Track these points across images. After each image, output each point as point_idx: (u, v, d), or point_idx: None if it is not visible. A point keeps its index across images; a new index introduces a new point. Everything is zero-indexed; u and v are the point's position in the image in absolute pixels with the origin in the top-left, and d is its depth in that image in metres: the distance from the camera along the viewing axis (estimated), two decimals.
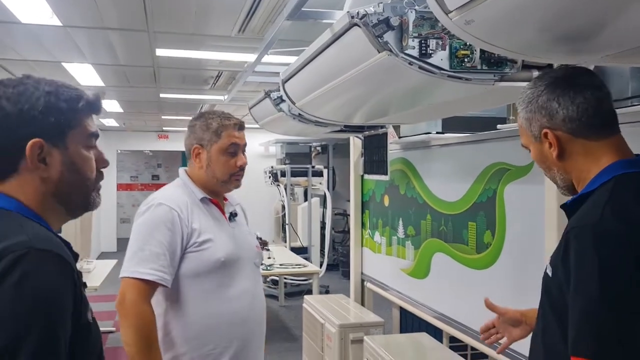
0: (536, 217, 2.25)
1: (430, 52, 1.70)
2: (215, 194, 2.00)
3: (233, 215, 2.04)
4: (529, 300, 2.29)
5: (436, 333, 3.39)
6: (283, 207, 8.61)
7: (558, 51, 1.36)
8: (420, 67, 1.69)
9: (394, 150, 3.58)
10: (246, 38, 4.06)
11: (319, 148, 10.30)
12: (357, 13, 1.70)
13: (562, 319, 1.14)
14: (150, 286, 1.79)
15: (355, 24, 1.72)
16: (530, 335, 1.41)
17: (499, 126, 2.66)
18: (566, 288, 1.11)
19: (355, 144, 4.24)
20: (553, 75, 1.28)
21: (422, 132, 3.44)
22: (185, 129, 2.05)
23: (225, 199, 2.07)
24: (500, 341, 1.68)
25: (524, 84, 1.80)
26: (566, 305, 1.11)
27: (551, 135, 1.24)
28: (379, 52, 1.70)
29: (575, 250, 1.09)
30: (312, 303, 3.98)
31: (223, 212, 2.00)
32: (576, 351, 1.06)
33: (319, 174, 8.36)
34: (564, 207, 1.30)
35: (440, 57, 1.71)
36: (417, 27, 1.69)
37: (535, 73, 1.81)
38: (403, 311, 3.91)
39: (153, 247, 1.79)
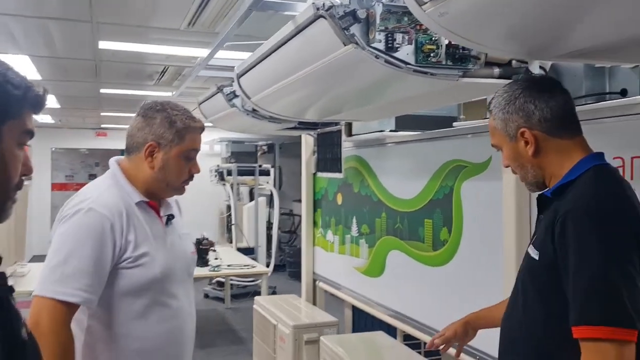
0: (493, 213, 2.27)
1: (397, 46, 1.67)
2: (154, 196, 1.73)
3: (170, 218, 1.78)
4: (486, 295, 2.33)
5: (389, 331, 3.39)
6: (228, 207, 8.46)
7: (526, 47, 1.37)
8: (387, 61, 1.67)
9: (347, 148, 3.56)
10: (196, 32, 3.94)
11: (265, 147, 10.20)
12: (323, 4, 1.66)
13: (545, 298, 1.31)
14: (71, 309, 1.52)
15: (321, 16, 1.68)
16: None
17: (455, 124, 2.68)
18: (562, 267, 1.23)
19: (307, 141, 4.20)
20: (526, 81, 1.42)
21: (375, 130, 3.44)
22: (126, 125, 1.78)
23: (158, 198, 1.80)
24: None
25: (486, 80, 1.82)
26: (553, 285, 1.26)
27: (528, 134, 1.36)
28: (345, 45, 1.66)
29: (575, 230, 1.21)
30: (263, 304, 3.91)
31: (160, 216, 1.74)
32: (584, 320, 1.17)
33: (265, 173, 8.27)
34: (541, 197, 1.41)
35: (406, 52, 1.69)
36: (383, 21, 1.67)
37: (497, 70, 1.83)
38: (355, 310, 3.90)
39: (78, 263, 1.52)
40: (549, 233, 1.28)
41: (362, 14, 1.62)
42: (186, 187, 1.78)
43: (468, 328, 1.74)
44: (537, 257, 1.32)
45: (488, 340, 1.87)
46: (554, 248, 1.26)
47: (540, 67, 1.92)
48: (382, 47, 1.66)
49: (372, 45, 1.65)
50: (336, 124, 3.51)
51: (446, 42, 1.70)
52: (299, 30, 1.85)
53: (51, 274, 1.53)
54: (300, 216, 9.40)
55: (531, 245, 1.37)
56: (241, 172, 8.05)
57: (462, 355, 2.43)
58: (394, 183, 3.10)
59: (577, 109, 1.56)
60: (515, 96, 1.38)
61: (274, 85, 2.31)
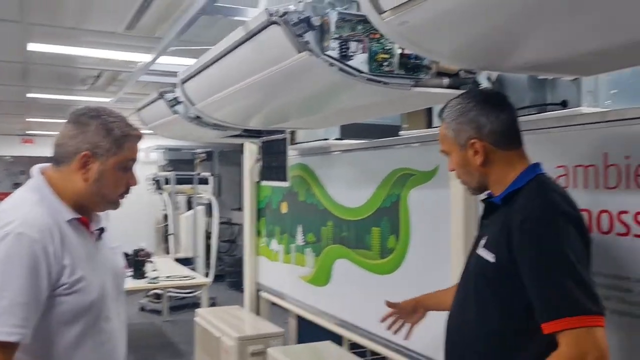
0: (441, 221, 2.30)
1: (351, 54, 1.67)
2: (85, 210, 1.56)
3: (101, 232, 1.63)
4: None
5: (335, 340, 3.38)
6: (165, 216, 8.23)
7: (481, 59, 1.39)
8: (341, 69, 1.66)
9: (292, 156, 3.53)
10: (135, 36, 3.82)
11: (203, 155, 10.01)
12: (277, 11, 1.63)
13: (503, 297, 1.39)
14: (11, 349, 1.35)
15: (274, 22, 1.65)
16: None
17: (401, 132, 2.71)
18: (523, 268, 1.32)
19: (251, 149, 4.14)
20: (480, 95, 1.53)
21: (320, 139, 3.43)
22: (55, 132, 1.60)
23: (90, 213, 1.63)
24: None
25: (436, 90, 1.85)
26: (510, 285, 1.34)
27: (478, 144, 1.46)
28: (299, 52, 1.64)
29: (536, 233, 1.31)
30: (205, 316, 3.81)
31: (91, 232, 1.58)
32: (559, 314, 1.25)
33: (204, 181, 8.10)
34: (489, 203, 1.54)
35: (360, 60, 1.69)
36: (337, 29, 1.66)
37: (446, 80, 1.86)
38: (301, 320, 3.86)
39: (14, 295, 1.35)
40: (504, 237, 1.37)
41: (316, 21, 1.61)
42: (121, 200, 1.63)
43: (418, 306, 1.87)
44: (492, 260, 1.40)
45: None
46: (510, 251, 1.35)
47: (488, 79, 1.97)
48: (337, 55, 1.65)
49: (327, 53, 1.64)
50: (281, 131, 3.48)
51: (399, 51, 1.71)
52: (250, 36, 1.81)
53: None
54: (239, 225, 9.33)
55: (483, 249, 1.44)
56: (179, 181, 7.86)
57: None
58: (341, 191, 3.10)
59: (522, 119, 1.62)
60: (469, 108, 1.47)
61: (221, 91, 2.26)
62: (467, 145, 1.47)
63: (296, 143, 3.58)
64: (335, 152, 3.18)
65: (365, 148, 2.92)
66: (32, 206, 1.46)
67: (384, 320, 1.96)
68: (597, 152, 1.65)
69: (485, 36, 1.22)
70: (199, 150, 9.70)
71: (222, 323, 3.57)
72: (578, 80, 1.89)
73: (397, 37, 1.31)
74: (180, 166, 8.85)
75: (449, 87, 1.86)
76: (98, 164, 1.51)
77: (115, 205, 1.60)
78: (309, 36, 1.62)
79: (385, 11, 1.25)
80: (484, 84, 1.93)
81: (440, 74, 1.85)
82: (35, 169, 1.56)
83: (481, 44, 1.25)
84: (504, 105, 1.49)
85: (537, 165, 1.48)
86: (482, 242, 1.47)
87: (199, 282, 5.17)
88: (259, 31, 1.74)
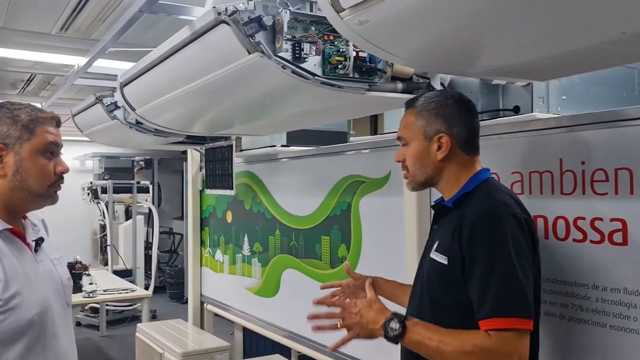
0: (393, 228, 2.26)
1: (304, 56, 1.60)
2: (15, 215, 1.43)
3: (39, 243, 1.49)
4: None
5: (283, 352, 3.29)
6: (102, 227, 7.89)
7: (443, 62, 1.35)
8: (294, 72, 1.59)
9: (237, 163, 3.42)
10: (69, 37, 3.62)
11: (142, 163, 9.69)
12: (225, 9, 1.54)
13: (459, 298, 1.36)
14: None
15: (223, 21, 1.56)
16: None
17: (351, 139, 2.66)
18: (469, 267, 1.33)
19: (194, 157, 4.00)
20: (459, 96, 1.53)
21: (265, 145, 3.34)
22: None
23: (25, 217, 1.50)
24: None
25: (390, 94, 1.80)
26: (464, 284, 1.35)
27: (446, 139, 1.46)
28: (250, 53, 1.55)
29: (484, 234, 1.32)
30: (147, 331, 3.63)
31: (27, 244, 1.45)
32: (495, 313, 1.27)
33: (144, 190, 7.83)
34: (439, 207, 1.54)
35: (313, 63, 1.63)
36: (290, 30, 1.58)
37: (400, 85, 1.81)
38: (247, 332, 3.75)
39: None
40: (456, 239, 1.38)
41: (268, 20, 1.52)
42: (58, 192, 1.47)
43: (373, 283, 1.72)
44: (445, 262, 1.40)
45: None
46: (462, 253, 1.36)
47: (441, 83, 1.94)
48: (289, 56, 1.58)
49: (279, 54, 1.56)
50: (226, 138, 3.37)
51: (354, 54, 1.65)
52: (197, 36, 1.71)
53: None
54: (181, 235, 9.06)
55: (435, 252, 1.44)
56: (117, 189, 7.55)
57: None
58: (289, 200, 3.01)
59: None
60: (448, 104, 1.48)
61: (164, 95, 2.13)
62: (433, 137, 1.47)
63: (241, 150, 3.48)
64: (284, 159, 3.10)
65: (314, 155, 2.85)
66: None
67: (319, 302, 1.81)
68: (553, 157, 1.64)
69: (446, 38, 1.17)
70: (137, 158, 9.39)
71: (164, 338, 3.41)
72: (530, 86, 1.89)
73: (355, 38, 1.25)
74: (118, 174, 8.52)
75: (403, 91, 1.82)
76: (12, 154, 1.39)
77: (49, 198, 1.45)
78: (260, 36, 1.53)
79: (344, 9, 1.19)
80: (438, 88, 1.89)
81: (395, 78, 1.81)
82: None
83: (441, 46, 1.21)
84: (475, 113, 1.53)
85: (485, 170, 1.51)
86: (434, 246, 1.46)
87: (139, 295, 4.93)
88: (207, 31, 1.64)
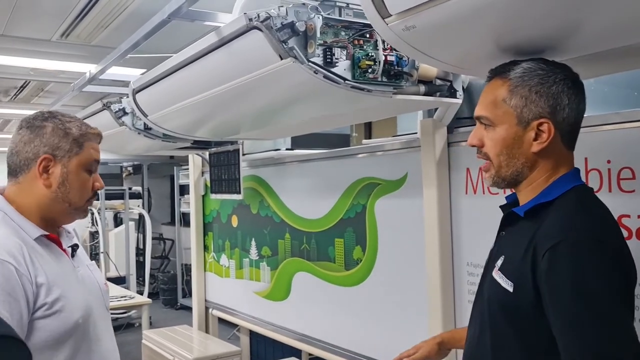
0: (411, 230, 2.29)
1: (335, 61, 1.62)
2: (50, 225, 1.45)
3: (75, 249, 1.52)
4: (405, 311, 2.33)
5: (292, 354, 3.30)
6: (91, 234, 7.81)
7: (489, 65, 1.37)
8: (325, 76, 1.61)
9: (242, 167, 3.42)
10: (69, 44, 3.59)
11: (130, 168, 9.62)
12: (258, 15, 1.55)
13: (523, 334, 1.13)
14: None
15: (255, 27, 1.57)
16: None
17: (364, 141, 2.68)
18: (552, 306, 1.07)
19: (195, 162, 4.00)
20: (569, 69, 1.18)
21: (268, 149, 3.35)
22: None
23: (59, 226, 1.52)
24: None
25: (415, 97, 1.83)
26: (534, 321, 1.10)
27: (549, 127, 1.14)
28: (282, 59, 1.57)
29: (568, 261, 1.04)
30: (154, 338, 3.61)
31: (64, 250, 1.47)
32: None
33: (136, 196, 7.77)
34: (506, 209, 1.26)
35: (343, 67, 1.65)
36: (321, 35, 1.60)
37: (422, 88, 1.84)
38: (253, 336, 3.75)
39: None
40: (528, 264, 1.10)
41: (301, 26, 1.54)
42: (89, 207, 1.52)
43: (443, 348, 1.56)
44: (511, 289, 1.14)
45: None
46: (536, 282, 1.09)
47: (462, 86, 1.97)
48: (321, 61, 1.60)
49: (311, 59, 1.58)
50: (231, 142, 3.37)
51: (383, 58, 1.68)
52: (224, 43, 1.72)
53: None
54: (172, 240, 9.00)
55: (499, 272, 1.18)
56: (108, 196, 7.49)
57: None
58: (299, 203, 3.03)
59: None
60: (555, 80, 1.14)
61: (183, 101, 2.14)
62: (531, 123, 1.14)
63: (243, 154, 3.48)
64: (292, 163, 3.11)
65: (325, 158, 2.87)
66: None
67: None
68: (577, 157, 1.67)
69: (495, 41, 1.19)
70: (126, 164, 9.31)
71: (172, 344, 3.40)
72: None
73: (399, 44, 1.27)
74: (107, 180, 8.40)
75: (424, 94, 1.85)
76: (60, 166, 1.42)
77: (82, 213, 1.49)
78: (293, 42, 1.55)
79: (391, 15, 1.21)
80: (460, 90, 1.93)
81: (418, 81, 1.83)
82: None
83: (489, 50, 1.23)
84: (584, 95, 1.18)
85: (576, 173, 1.19)
86: (499, 263, 1.20)
87: (138, 302, 4.89)
88: (236, 37, 1.65)
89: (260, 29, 1.56)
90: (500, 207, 1.29)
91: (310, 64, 1.57)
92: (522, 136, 1.16)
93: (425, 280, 2.18)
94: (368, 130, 6.05)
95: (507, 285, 1.14)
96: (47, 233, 1.41)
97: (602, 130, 1.64)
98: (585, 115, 1.67)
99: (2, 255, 1.27)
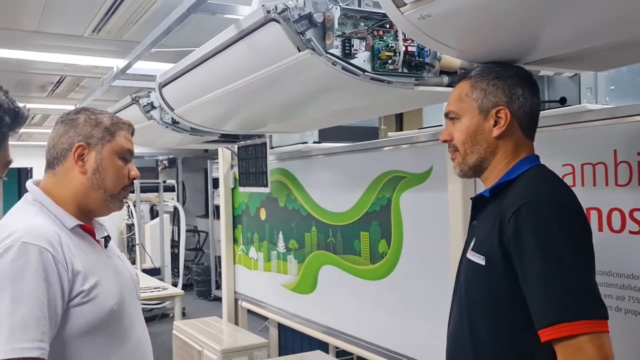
0: (436, 223, 2.25)
1: (354, 52, 1.60)
2: (88, 215, 1.50)
3: (107, 240, 1.57)
4: (431, 305, 2.30)
5: (319, 347, 3.30)
6: (128, 226, 7.99)
7: (507, 53, 1.33)
8: (344, 68, 1.58)
9: (269, 160, 3.43)
10: (101, 39, 3.65)
11: (165, 162, 9.78)
12: (275, 7, 1.54)
13: (497, 305, 1.22)
14: None
15: (273, 19, 1.56)
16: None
17: (390, 134, 2.65)
18: (519, 267, 1.16)
19: (225, 155, 4.02)
20: (522, 69, 1.35)
21: (295, 142, 3.35)
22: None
23: (94, 218, 1.56)
24: None
25: (437, 88, 1.79)
26: (507, 290, 1.19)
27: (505, 113, 1.29)
28: (300, 51, 1.55)
29: (535, 226, 1.14)
30: (184, 328, 3.67)
31: (98, 240, 1.52)
32: (558, 319, 1.09)
33: (170, 189, 7.90)
34: (477, 199, 1.37)
35: (363, 59, 1.62)
36: (339, 26, 1.58)
37: (446, 79, 1.80)
38: (282, 329, 3.77)
39: (28, 309, 1.25)
40: (494, 233, 1.20)
41: (319, 17, 1.52)
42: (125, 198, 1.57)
43: None
44: (483, 262, 1.23)
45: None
46: (504, 249, 1.18)
47: None
48: (339, 53, 1.57)
49: (329, 51, 1.56)
50: (259, 136, 3.38)
51: (403, 49, 1.64)
52: (243, 35, 1.72)
53: None
54: (206, 233, 9.13)
55: (471, 252, 1.28)
56: (143, 189, 7.63)
57: None
58: (325, 196, 3.02)
59: None
60: (509, 75, 1.31)
61: (207, 95, 2.15)
62: (490, 111, 1.29)
63: (272, 147, 3.49)
64: (319, 156, 3.10)
65: (351, 151, 2.85)
66: (33, 217, 1.40)
67: None
68: (606, 149, 1.62)
69: (513, 29, 1.16)
70: (161, 158, 9.47)
71: (202, 335, 3.44)
72: (577, 77, 1.87)
73: (415, 33, 1.24)
74: (143, 174, 8.58)
75: (448, 85, 1.81)
76: (94, 153, 1.48)
77: (119, 202, 1.54)
78: (311, 33, 1.53)
79: (406, 4, 1.18)
80: None
81: (441, 72, 1.79)
82: (29, 182, 1.51)
83: (507, 38, 1.19)
84: (537, 90, 1.34)
85: (533, 158, 1.33)
86: (471, 244, 1.30)
87: (171, 293, 4.98)
88: (255, 29, 1.65)
89: (277, 21, 1.54)
90: (471, 198, 1.41)
91: (328, 55, 1.55)
92: (483, 124, 1.31)
93: (450, 274, 2.14)
94: (399, 122, 6.00)
95: (480, 259, 1.25)
96: (82, 223, 1.46)
97: (633, 122, 1.58)
98: (614, 106, 1.61)
99: (40, 243, 1.31)
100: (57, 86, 5.18)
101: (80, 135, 1.48)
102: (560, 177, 1.58)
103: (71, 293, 1.35)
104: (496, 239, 1.19)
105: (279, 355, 3.75)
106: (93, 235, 1.50)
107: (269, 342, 3.56)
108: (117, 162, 1.50)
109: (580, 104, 1.85)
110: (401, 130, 5.62)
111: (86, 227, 1.47)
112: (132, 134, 1.60)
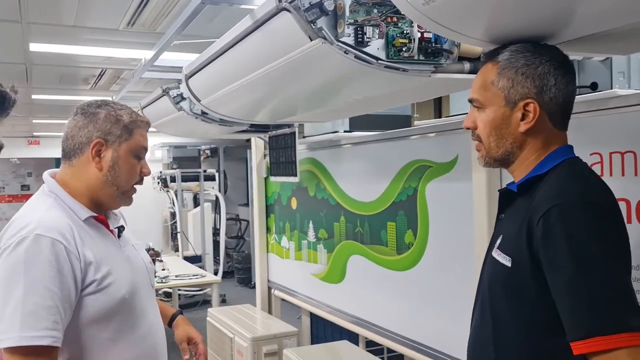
0: (462, 214, 2.20)
1: (367, 40, 1.56)
2: (101, 207, 1.54)
3: (121, 230, 1.61)
4: (456, 297, 2.26)
5: (350, 337, 3.29)
6: (172, 214, 8.16)
7: (519, 37, 1.27)
8: (357, 57, 1.55)
9: (300, 150, 3.42)
10: (136, 32, 3.72)
11: (208, 151, 9.93)
12: None
13: (522, 311, 1.14)
14: (49, 355, 1.30)
15: (284, 9, 1.54)
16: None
17: (416, 123, 2.60)
18: (550, 273, 1.08)
19: (257, 145, 4.04)
20: (557, 51, 1.21)
21: (328, 132, 3.33)
22: (60, 133, 1.58)
23: (105, 210, 1.60)
24: None
25: (457, 75, 1.73)
26: (535, 295, 1.11)
27: (534, 107, 1.17)
28: (312, 40, 1.53)
29: (566, 230, 1.05)
30: (217, 315, 3.73)
31: (111, 230, 1.56)
32: (594, 331, 1.01)
33: (210, 178, 8.02)
34: (504, 193, 1.28)
35: (377, 47, 1.58)
36: (352, 13, 1.55)
37: (467, 65, 1.74)
38: (314, 318, 3.78)
39: (40, 298, 1.30)
40: (523, 234, 1.12)
41: (329, 5, 1.49)
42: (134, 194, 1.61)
43: None
44: (509, 264, 1.15)
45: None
46: (533, 253, 1.10)
47: None
48: (352, 41, 1.54)
49: (341, 39, 1.53)
50: (289, 125, 3.38)
51: (418, 35, 1.60)
52: (258, 25, 1.71)
53: (11, 318, 1.28)
54: (247, 221, 9.24)
55: (497, 250, 1.20)
56: (185, 178, 7.78)
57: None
58: (353, 186, 2.99)
59: None
60: (541, 62, 1.17)
61: (228, 85, 2.15)
62: (518, 103, 1.17)
63: (304, 137, 3.49)
64: (347, 145, 3.07)
65: (378, 140, 2.81)
66: (47, 209, 1.45)
67: None
68: (637, 136, 1.54)
69: (524, 9, 1.09)
70: (203, 147, 9.62)
71: (234, 323, 3.49)
72: (608, 61, 1.78)
73: (421, 19, 1.20)
74: (186, 163, 8.78)
75: (470, 72, 1.75)
76: (111, 151, 1.51)
77: (128, 198, 1.59)
78: (322, 22, 1.51)
79: None
80: None
81: (462, 58, 1.74)
82: (46, 173, 1.55)
83: (517, 19, 1.13)
84: (574, 76, 1.20)
85: (566, 149, 1.21)
86: (498, 242, 1.22)
87: (209, 280, 5.08)
88: (268, 19, 1.63)
89: (288, 10, 1.53)
90: (499, 191, 1.31)
91: (340, 44, 1.52)
92: (509, 117, 1.20)
93: (475, 267, 2.09)
94: (438, 109, 5.88)
95: (506, 260, 1.16)
96: (95, 214, 1.51)
97: None
98: None
99: (53, 235, 1.36)
100: (99, 79, 5.32)
101: (99, 131, 1.51)
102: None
103: (84, 282, 1.40)
104: (524, 241, 1.12)
105: (310, 344, 3.76)
106: (107, 225, 1.54)
107: (301, 330, 3.58)
108: (131, 160, 1.54)
109: (612, 89, 1.77)
110: (440, 117, 5.51)
111: (99, 218, 1.52)
112: (148, 129, 1.64)
